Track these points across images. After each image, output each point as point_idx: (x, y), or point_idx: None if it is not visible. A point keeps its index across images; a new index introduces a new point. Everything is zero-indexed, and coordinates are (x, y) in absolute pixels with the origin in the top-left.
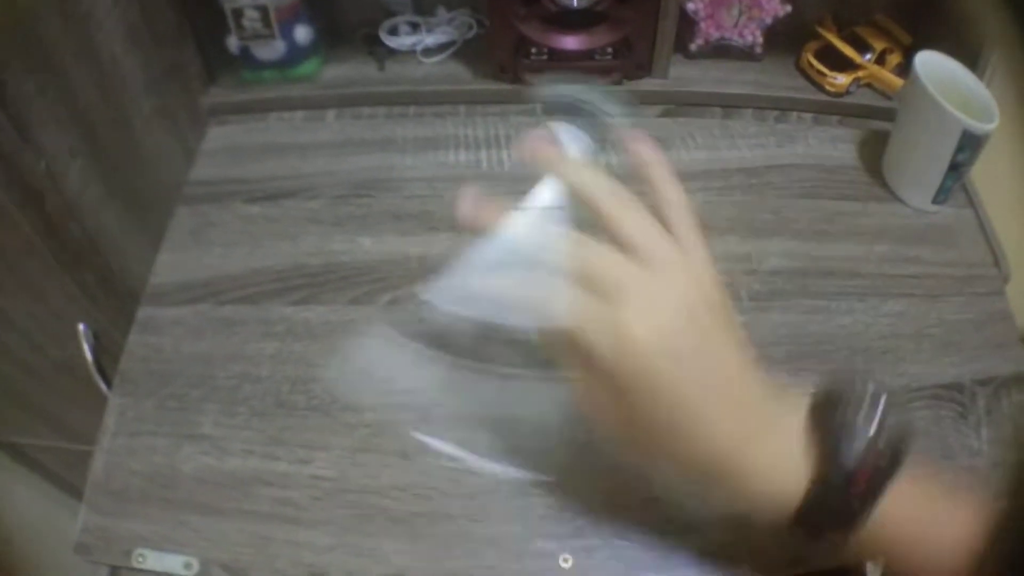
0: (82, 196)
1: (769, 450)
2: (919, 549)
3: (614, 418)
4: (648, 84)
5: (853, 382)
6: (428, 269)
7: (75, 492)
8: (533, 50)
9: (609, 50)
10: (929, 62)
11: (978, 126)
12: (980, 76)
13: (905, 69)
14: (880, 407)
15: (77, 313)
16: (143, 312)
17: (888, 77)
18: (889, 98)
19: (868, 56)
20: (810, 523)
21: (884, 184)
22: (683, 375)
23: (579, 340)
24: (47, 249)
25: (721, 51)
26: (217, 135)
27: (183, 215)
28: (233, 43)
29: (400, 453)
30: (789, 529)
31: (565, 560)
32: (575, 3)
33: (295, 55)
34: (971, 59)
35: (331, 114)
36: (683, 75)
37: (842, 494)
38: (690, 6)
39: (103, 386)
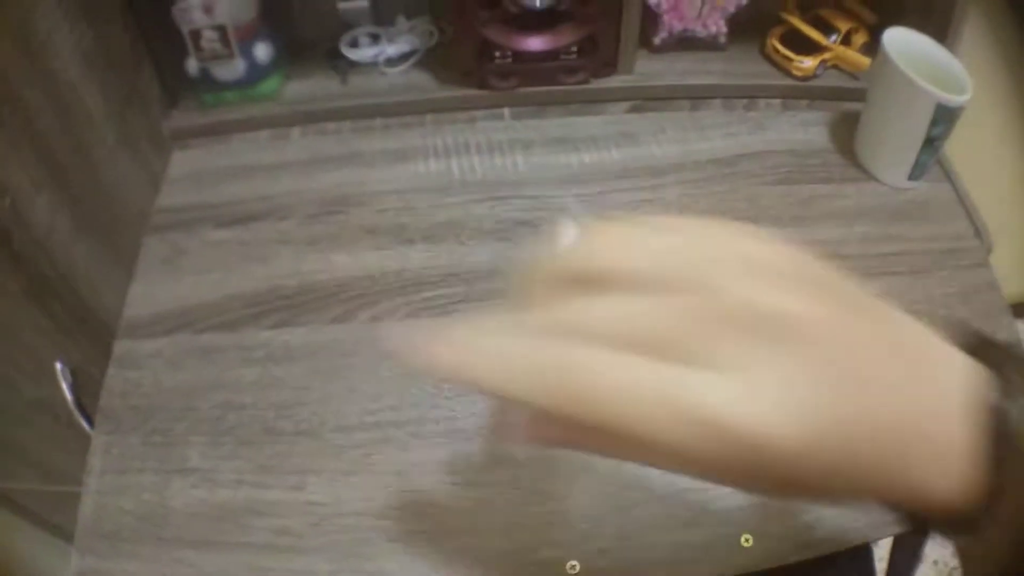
0: (50, 231)
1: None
2: None
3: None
4: (615, 81)
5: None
6: (406, 283)
7: (61, 534)
8: (497, 53)
9: (574, 49)
10: (897, 38)
11: (952, 99)
12: (949, 49)
13: (872, 48)
14: None
15: (52, 350)
16: (120, 346)
17: (855, 57)
18: (857, 78)
19: (833, 38)
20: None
21: (858, 165)
22: None
23: None
24: (17, 287)
25: (685, 43)
26: (181, 160)
27: (153, 244)
28: (192, 65)
29: (394, 472)
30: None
31: (573, 567)
32: (537, 3)
33: (256, 74)
34: (938, 33)
35: (296, 132)
36: (649, 69)
37: None
38: None
39: (85, 424)
